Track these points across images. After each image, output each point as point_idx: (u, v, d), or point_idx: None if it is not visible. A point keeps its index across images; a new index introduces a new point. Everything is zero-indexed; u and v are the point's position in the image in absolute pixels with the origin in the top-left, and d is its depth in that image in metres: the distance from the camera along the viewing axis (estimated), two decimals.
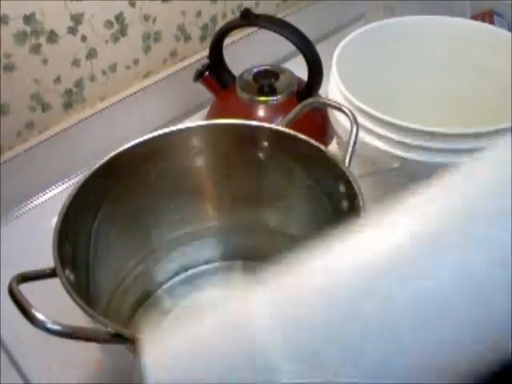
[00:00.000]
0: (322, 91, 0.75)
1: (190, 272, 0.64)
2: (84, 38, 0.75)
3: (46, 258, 0.44)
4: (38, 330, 0.40)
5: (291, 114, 0.57)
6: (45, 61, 0.73)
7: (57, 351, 0.56)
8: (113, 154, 0.53)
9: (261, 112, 0.74)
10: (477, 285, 0.24)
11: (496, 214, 0.24)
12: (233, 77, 0.78)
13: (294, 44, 0.71)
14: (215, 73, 0.78)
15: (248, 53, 0.86)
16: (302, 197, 0.58)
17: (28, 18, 0.69)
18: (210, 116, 0.81)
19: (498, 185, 0.25)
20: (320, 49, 0.73)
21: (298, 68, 0.75)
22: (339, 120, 0.61)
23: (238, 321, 0.25)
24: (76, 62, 0.76)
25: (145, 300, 0.62)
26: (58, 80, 0.75)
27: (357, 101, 0.58)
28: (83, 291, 0.47)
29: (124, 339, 0.40)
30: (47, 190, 0.78)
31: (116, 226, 0.56)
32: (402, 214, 0.27)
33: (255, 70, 0.77)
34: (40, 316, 0.40)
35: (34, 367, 0.59)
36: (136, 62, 0.82)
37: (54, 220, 0.47)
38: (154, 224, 0.60)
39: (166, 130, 0.55)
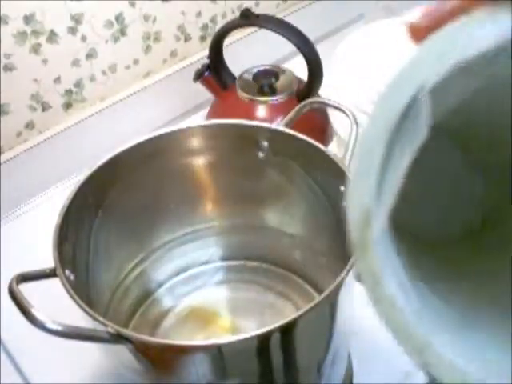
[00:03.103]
0: (321, 91, 0.75)
1: (189, 272, 0.64)
2: (84, 38, 0.75)
3: (46, 258, 0.44)
4: (38, 330, 0.40)
5: (291, 114, 0.57)
6: (45, 61, 0.73)
7: (57, 351, 0.56)
8: (113, 154, 0.53)
9: (261, 112, 0.74)
10: None
11: None
12: (233, 77, 0.78)
13: (294, 44, 0.71)
14: (215, 73, 0.78)
15: (248, 53, 0.86)
16: (302, 196, 0.58)
17: (28, 18, 0.69)
18: (210, 116, 0.81)
19: None
20: (320, 49, 0.73)
21: (298, 68, 0.75)
22: (339, 120, 0.61)
23: None
24: (76, 62, 0.76)
25: (145, 300, 0.62)
26: (58, 80, 0.75)
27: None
28: (83, 291, 0.47)
29: (124, 339, 0.40)
30: (47, 190, 0.78)
31: (116, 226, 0.55)
32: None
33: (255, 70, 0.77)
34: (40, 316, 0.40)
35: (34, 367, 0.59)
36: (136, 61, 0.82)
37: (54, 220, 0.47)
38: (154, 224, 0.60)
39: (167, 129, 0.55)
